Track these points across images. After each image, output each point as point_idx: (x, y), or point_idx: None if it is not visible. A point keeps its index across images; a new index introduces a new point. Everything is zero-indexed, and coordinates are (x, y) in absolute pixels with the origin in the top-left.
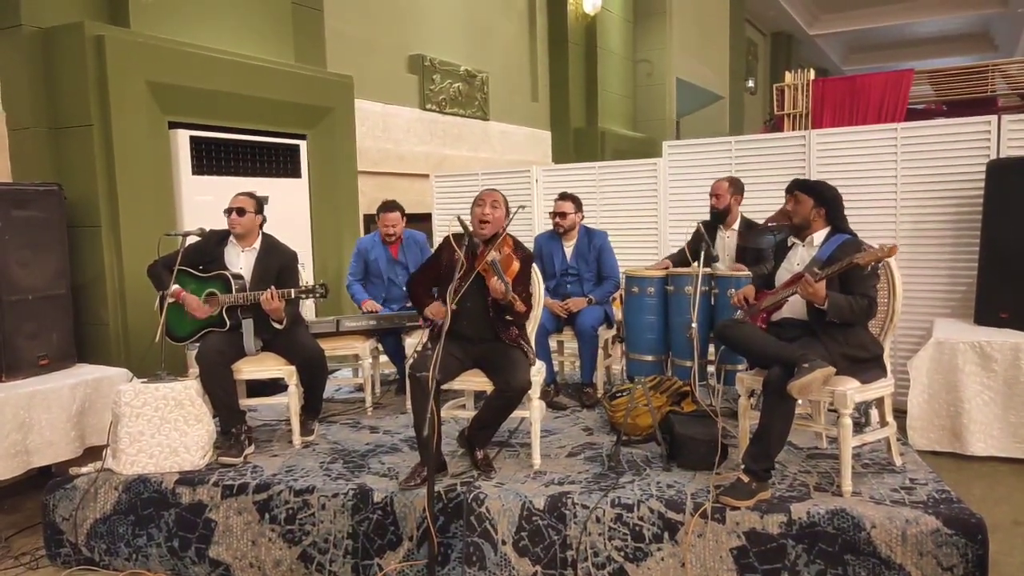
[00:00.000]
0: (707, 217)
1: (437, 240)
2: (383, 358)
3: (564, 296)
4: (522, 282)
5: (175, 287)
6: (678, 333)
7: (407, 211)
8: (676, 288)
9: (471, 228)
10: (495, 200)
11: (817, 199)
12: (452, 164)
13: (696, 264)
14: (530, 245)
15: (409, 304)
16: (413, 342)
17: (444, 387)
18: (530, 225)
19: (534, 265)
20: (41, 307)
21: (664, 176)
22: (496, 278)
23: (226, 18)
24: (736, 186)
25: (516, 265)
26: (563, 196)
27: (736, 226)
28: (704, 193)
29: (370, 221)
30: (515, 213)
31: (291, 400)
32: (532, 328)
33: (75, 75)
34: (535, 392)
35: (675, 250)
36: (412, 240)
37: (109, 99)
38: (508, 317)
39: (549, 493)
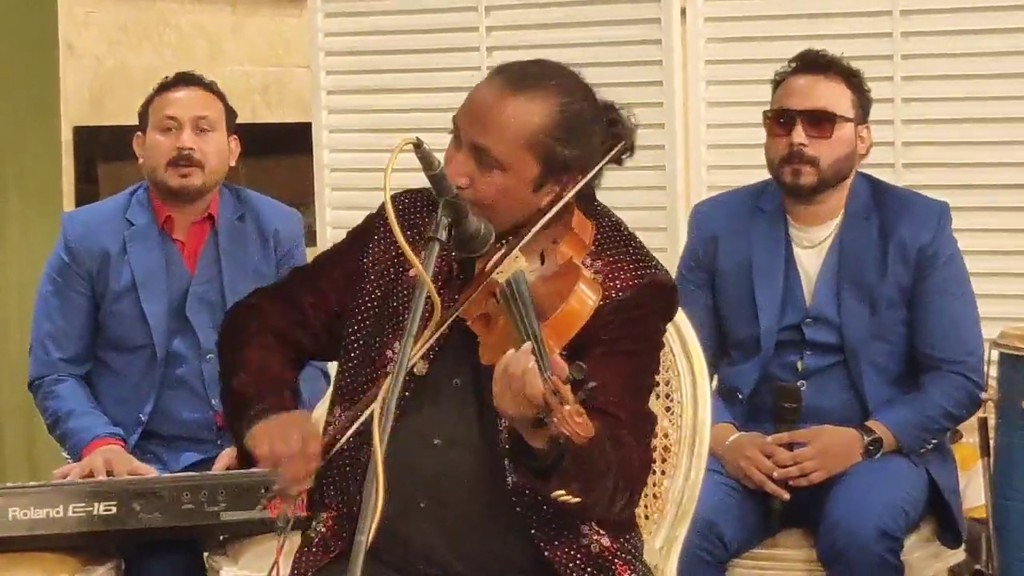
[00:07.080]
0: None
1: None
2: None
3: (783, 410)
4: (626, 378)
5: None
6: None
7: (245, 119)
8: None
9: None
10: (488, 119)
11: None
12: None
13: None
14: (658, 232)
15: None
16: None
17: None
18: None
19: (681, 319)
20: None
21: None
22: (526, 343)
23: None
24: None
25: (589, 303)
26: (811, 61)
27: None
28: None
29: (103, 148)
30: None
31: None
32: (658, 532)
33: None
34: None
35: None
36: (257, 222)
37: None
38: (562, 495)
39: None
